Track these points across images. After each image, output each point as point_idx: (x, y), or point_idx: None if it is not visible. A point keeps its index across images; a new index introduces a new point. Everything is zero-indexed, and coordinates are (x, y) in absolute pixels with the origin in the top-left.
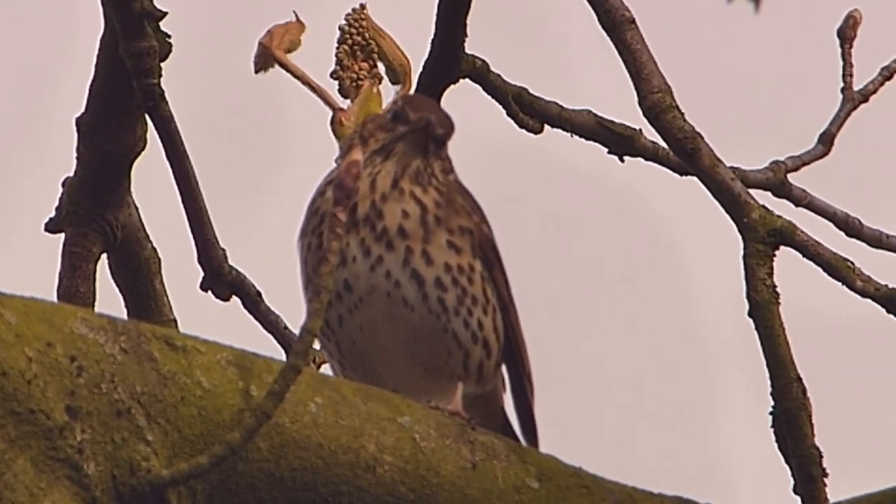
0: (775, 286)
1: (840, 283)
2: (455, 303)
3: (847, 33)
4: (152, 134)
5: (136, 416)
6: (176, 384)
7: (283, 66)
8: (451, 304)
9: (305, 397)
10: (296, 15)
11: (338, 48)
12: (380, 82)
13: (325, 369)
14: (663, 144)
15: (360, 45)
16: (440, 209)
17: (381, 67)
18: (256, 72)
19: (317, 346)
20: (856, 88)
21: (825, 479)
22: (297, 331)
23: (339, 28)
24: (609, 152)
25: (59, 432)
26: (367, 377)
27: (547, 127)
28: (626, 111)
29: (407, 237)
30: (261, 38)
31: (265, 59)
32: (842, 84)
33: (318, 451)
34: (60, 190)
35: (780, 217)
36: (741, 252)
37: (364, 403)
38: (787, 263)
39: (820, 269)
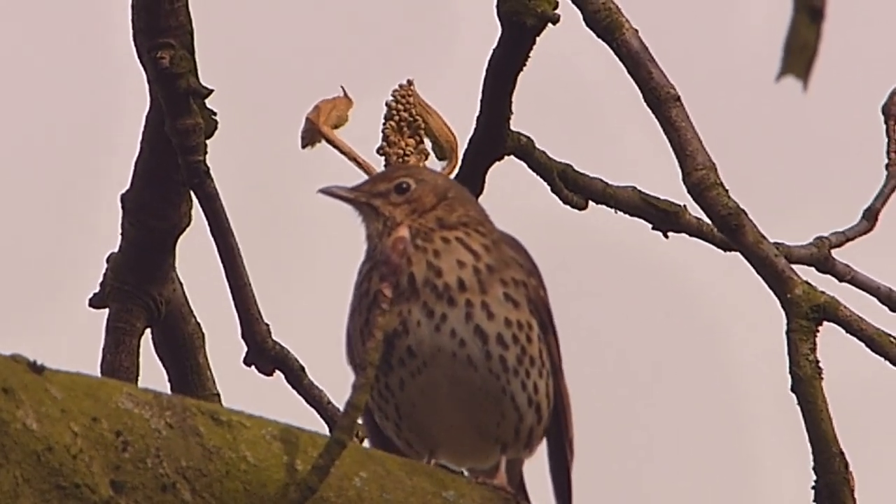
0: (818, 361)
1: (882, 358)
2: (515, 362)
3: (891, 110)
4: (197, 210)
5: (181, 490)
6: (221, 459)
7: (330, 141)
8: (511, 364)
9: (350, 472)
10: (343, 90)
11: (385, 124)
12: (426, 158)
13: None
14: (707, 220)
15: (407, 122)
16: (490, 255)
17: (428, 143)
18: (303, 147)
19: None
20: None
21: None
22: (340, 405)
23: (387, 104)
24: (653, 228)
25: None
26: (423, 439)
27: (591, 203)
28: (670, 187)
29: (465, 289)
30: (308, 113)
31: (312, 134)
32: (886, 160)
33: None
34: (105, 265)
35: (823, 293)
36: (784, 327)
37: (409, 478)
38: (830, 338)
39: (863, 345)
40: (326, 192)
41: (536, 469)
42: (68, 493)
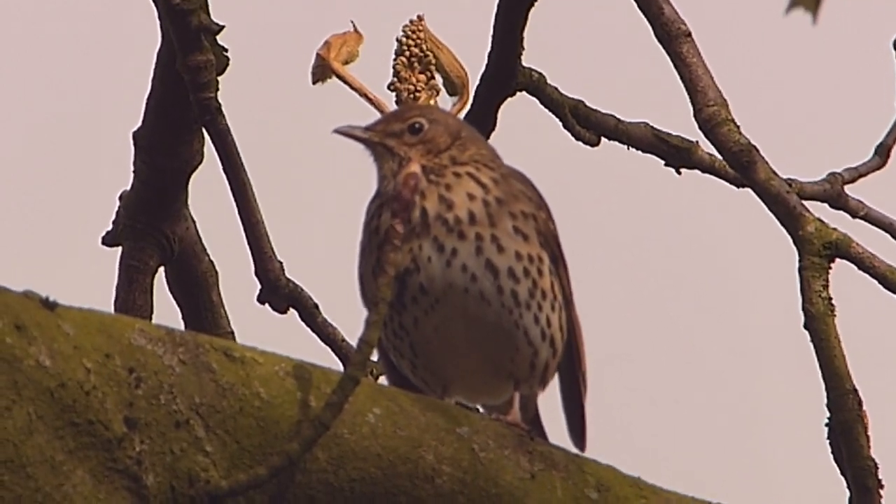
0: (831, 298)
1: (895, 295)
2: (527, 296)
3: None
4: (209, 147)
5: (195, 426)
6: (234, 395)
7: (341, 77)
8: (523, 298)
9: (364, 408)
10: (354, 26)
11: (395, 60)
12: (437, 94)
13: (384, 381)
14: (720, 157)
15: (418, 57)
16: (499, 188)
17: (439, 79)
18: (314, 83)
19: (374, 356)
20: None
21: (881, 491)
22: (354, 343)
23: (397, 40)
24: (666, 165)
25: (118, 443)
26: (437, 377)
27: (604, 139)
28: (682, 124)
29: (475, 223)
30: (318, 49)
31: (322, 70)
32: None
33: (377, 461)
34: (117, 203)
35: (835, 229)
36: (797, 264)
37: (422, 414)
38: (843, 275)
39: (875, 282)
40: (341, 131)
41: (550, 404)
42: (82, 430)
